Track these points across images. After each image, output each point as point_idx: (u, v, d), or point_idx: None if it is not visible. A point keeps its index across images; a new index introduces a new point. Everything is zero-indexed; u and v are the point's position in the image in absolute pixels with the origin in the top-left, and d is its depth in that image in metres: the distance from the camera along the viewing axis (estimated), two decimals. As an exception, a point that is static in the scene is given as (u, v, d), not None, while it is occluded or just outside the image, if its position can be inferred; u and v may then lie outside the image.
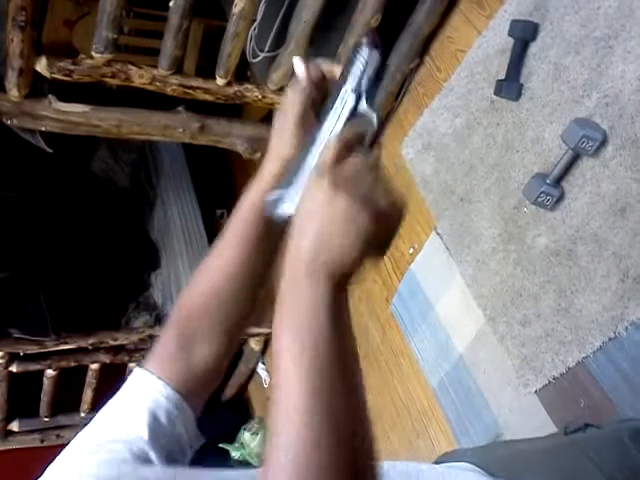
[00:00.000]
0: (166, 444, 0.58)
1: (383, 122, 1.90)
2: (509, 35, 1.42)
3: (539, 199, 1.31)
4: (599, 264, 1.24)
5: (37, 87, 1.59)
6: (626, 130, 1.19)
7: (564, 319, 1.31)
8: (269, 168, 0.65)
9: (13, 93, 1.50)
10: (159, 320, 2.71)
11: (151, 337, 2.39)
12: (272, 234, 0.64)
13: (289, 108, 0.64)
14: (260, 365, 2.76)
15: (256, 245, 0.65)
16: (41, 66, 1.51)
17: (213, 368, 0.65)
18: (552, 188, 1.30)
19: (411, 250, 1.79)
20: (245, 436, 2.66)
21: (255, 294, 0.68)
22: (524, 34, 1.39)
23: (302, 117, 0.63)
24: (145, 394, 0.60)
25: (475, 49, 1.55)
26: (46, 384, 2.37)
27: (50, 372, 2.32)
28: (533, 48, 1.40)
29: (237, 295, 0.66)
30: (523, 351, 1.41)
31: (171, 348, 0.63)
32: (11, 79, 1.47)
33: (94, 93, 1.76)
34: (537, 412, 1.39)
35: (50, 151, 1.75)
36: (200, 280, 0.67)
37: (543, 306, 1.36)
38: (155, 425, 0.58)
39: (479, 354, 1.56)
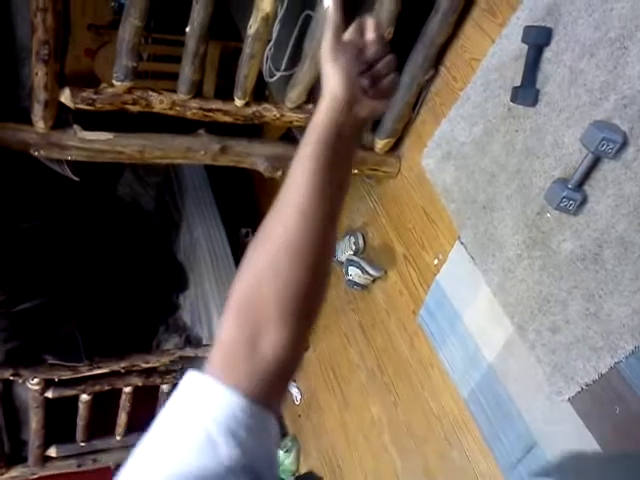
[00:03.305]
0: (256, 468, 0.47)
1: (402, 135, 1.90)
2: (523, 41, 1.42)
3: (561, 204, 1.30)
4: (626, 267, 1.22)
5: (62, 118, 1.64)
6: (646, 130, 1.18)
7: (594, 324, 1.29)
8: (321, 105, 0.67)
9: (40, 125, 1.55)
10: (189, 341, 2.74)
11: (182, 358, 2.41)
12: (343, 155, 0.64)
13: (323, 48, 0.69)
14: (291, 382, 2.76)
15: (328, 173, 0.62)
16: (65, 97, 1.55)
17: (288, 359, 0.56)
18: (574, 192, 1.29)
19: (436, 261, 1.79)
20: (278, 454, 2.66)
21: (329, 249, 0.63)
22: (538, 40, 1.39)
23: (334, 49, 0.68)
24: (217, 410, 0.48)
25: (489, 57, 1.55)
26: (81, 409, 2.41)
27: (85, 397, 2.36)
28: (548, 53, 1.39)
29: (307, 252, 0.58)
30: (554, 358, 1.39)
31: (236, 347, 0.54)
32: (37, 112, 1.52)
33: (115, 120, 1.81)
34: (571, 420, 1.36)
35: (77, 179, 1.79)
36: (260, 249, 0.59)
37: (571, 312, 1.35)
38: (240, 450, 0.46)
39: (509, 363, 1.54)
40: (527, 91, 1.41)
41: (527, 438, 1.48)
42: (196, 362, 2.46)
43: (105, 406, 2.47)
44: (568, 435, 1.38)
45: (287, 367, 0.56)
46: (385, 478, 2.11)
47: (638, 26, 1.20)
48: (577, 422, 1.36)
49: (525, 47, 1.41)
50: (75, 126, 1.65)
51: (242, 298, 0.57)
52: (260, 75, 1.83)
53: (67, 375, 2.24)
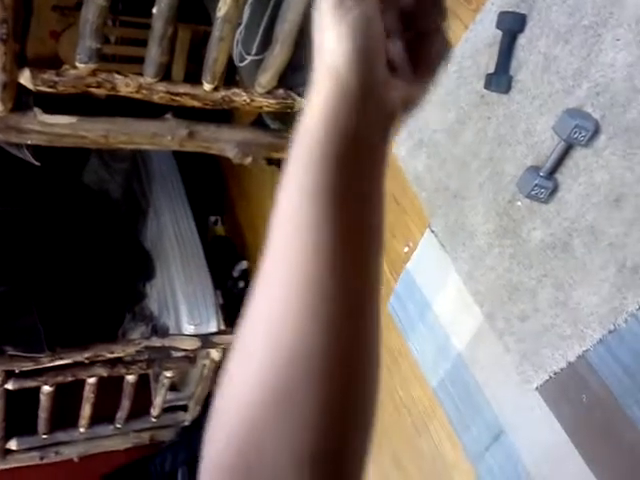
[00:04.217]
0: None
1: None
2: (497, 28, 1.41)
3: (533, 192, 1.29)
4: (596, 256, 1.23)
5: (22, 100, 1.57)
6: (618, 119, 1.18)
7: (563, 313, 1.30)
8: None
9: (-3, 106, 1.49)
10: (155, 331, 2.69)
11: (148, 348, 2.36)
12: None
13: None
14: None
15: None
16: (25, 79, 1.49)
17: None
18: (545, 180, 1.28)
19: (406, 249, 1.78)
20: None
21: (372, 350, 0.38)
22: (512, 26, 1.38)
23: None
24: None
25: (463, 43, 1.54)
26: (43, 400, 2.35)
27: (47, 388, 2.29)
28: (522, 40, 1.38)
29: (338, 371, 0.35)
30: (522, 347, 1.39)
31: None
32: (-6, 92, 1.46)
33: (83, 104, 1.75)
34: (539, 408, 1.37)
35: (38, 164, 1.73)
36: (247, 376, 0.35)
37: (541, 300, 1.35)
38: None
39: (478, 351, 1.54)
40: (501, 78, 1.40)
41: (495, 427, 1.49)
42: (162, 352, 2.42)
43: (68, 397, 2.41)
44: (536, 423, 1.39)
45: None
46: (354, 467, 2.11)
47: (612, 13, 1.20)
48: (545, 410, 1.36)
49: (499, 33, 1.40)
50: (35, 109, 1.59)
51: (233, 456, 0.34)
52: (231, 59, 1.79)
53: (28, 366, 2.18)
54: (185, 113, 1.75)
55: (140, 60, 1.64)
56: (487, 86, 1.43)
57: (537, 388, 1.37)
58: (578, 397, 1.29)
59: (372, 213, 0.38)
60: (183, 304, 2.55)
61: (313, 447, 0.33)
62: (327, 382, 0.34)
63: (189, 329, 2.50)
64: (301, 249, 0.34)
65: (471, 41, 1.51)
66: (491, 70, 1.42)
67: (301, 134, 0.36)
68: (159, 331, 2.72)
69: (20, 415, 2.41)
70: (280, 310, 0.34)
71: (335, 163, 0.35)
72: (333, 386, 0.34)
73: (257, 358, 0.34)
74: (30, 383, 2.26)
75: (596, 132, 1.20)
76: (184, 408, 2.95)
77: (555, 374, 1.33)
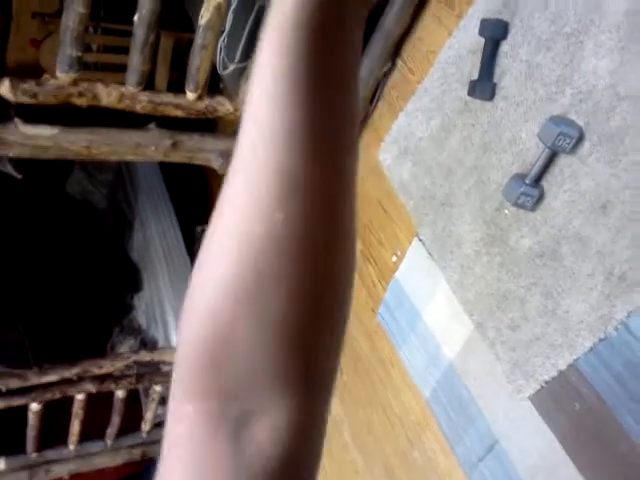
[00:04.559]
0: None
1: (359, 129, 1.87)
2: (480, 34, 1.40)
3: (519, 200, 1.28)
4: (583, 263, 1.22)
5: (2, 111, 1.55)
6: (602, 125, 1.17)
7: (552, 321, 1.29)
8: None
9: (-25, 120, 1.46)
10: (144, 344, 2.66)
11: (137, 363, 2.33)
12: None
13: None
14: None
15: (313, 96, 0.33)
16: (4, 89, 1.46)
17: (298, 454, 0.34)
18: (531, 188, 1.27)
19: (394, 258, 1.76)
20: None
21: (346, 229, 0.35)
22: (495, 33, 1.37)
23: None
24: None
25: (446, 50, 1.53)
26: (31, 418, 2.30)
27: (35, 406, 2.25)
28: (505, 47, 1.38)
29: (312, 250, 0.33)
30: (513, 356, 1.38)
31: (204, 446, 0.32)
32: (-28, 105, 1.43)
33: (64, 114, 1.72)
34: (531, 417, 1.35)
35: (19, 177, 1.70)
36: (220, 253, 0.33)
37: (530, 309, 1.34)
38: None
39: (470, 361, 1.52)
40: (484, 85, 1.39)
41: (488, 437, 1.47)
42: (152, 366, 2.38)
43: (56, 414, 2.37)
44: (529, 433, 1.37)
45: (298, 465, 0.34)
46: (346, 478, 2.08)
47: (593, 21, 1.19)
48: (537, 419, 1.35)
49: (482, 40, 1.39)
50: (16, 120, 1.56)
51: (201, 354, 0.33)
52: (214, 67, 1.77)
53: (15, 384, 2.13)
54: (168, 123, 1.74)
55: (122, 68, 1.62)
56: (471, 93, 1.42)
57: (529, 397, 1.36)
58: (570, 406, 1.28)
59: (349, 99, 0.35)
60: (171, 316, 2.52)
61: (284, 343, 0.32)
62: (298, 274, 0.33)
63: (178, 341, 2.47)
64: (273, 137, 0.32)
65: (454, 48, 1.50)
66: (475, 77, 1.42)
67: (274, 18, 0.33)
68: (148, 344, 2.69)
69: (8, 434, 2.36)
70: (249, 201, 0.33)
71: (311, 47, 0.32)
72: (305, 279, 0.33)
73: (225, 250, 0.33)
74: (18, 401, 2.21)
75: (580, 139, 1.20)
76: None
77: (547, 383, 1.32)
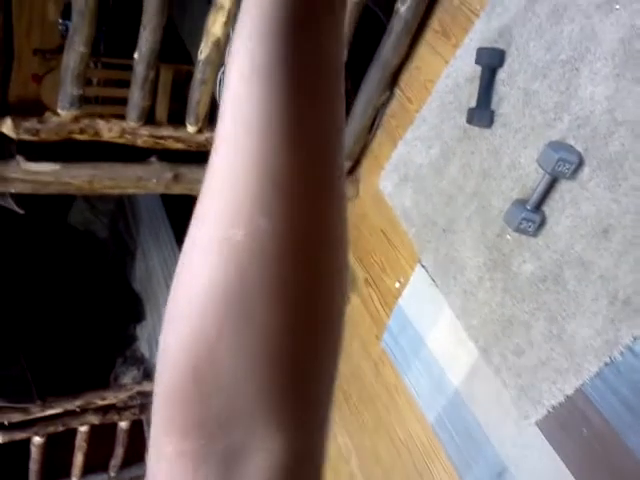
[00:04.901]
0: None
1: (359, 158, 1.88)
2: (476, 63, 1.42)
3: (521, 226, 1.29)
4: (587, 288, 1.22)
5: (4, 149, 1.56)
6: (600, 151, 1.18)
7: (558, 346, 1.28)
8: None
9: (-22, 157, 1.47)
10: (147, 374, 2.65)
11: (140, 393, 2.32)
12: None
13: None
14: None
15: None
16: (7, 128, 1.48)
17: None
18: (532, 214, 1.28)
19: (397, 284, 1.76)
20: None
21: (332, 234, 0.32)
22: (491, 61, 1.39)
23: None
24: None
25: (444, 78, 1.55)
26: (34, 452, 2.29)
27: (37, 439, 2.24)
28: (501, 74, 1.39)
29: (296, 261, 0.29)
30: (519, 382, 1.37)
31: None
32: (-25, 144, 1.44)
33: (64, 148, 1.73)
34: (539, 444, 1.34)
35: (22, 212, 1.71)
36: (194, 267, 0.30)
37: (535, 334, 1.33)
38: None
39: (475, 387, 1.52)
40: (482, 112, 1.40)
41: (497, 464, 1.46)
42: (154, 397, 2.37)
43: (59, 447, 2.35)
44: (537, 459, 1.36)
45: None
46: (354, 508, 2.06)
47: (588, 48, 1.21)
48: (545, 445, 1.34)
49: (479, 68, 1.41)
50: (18, 157, 1.58)
51: (180, 381, 0.29)
52: (214, 98, 1.79)
53: (18, 418, 2.12)
54: (169, 154, 1.75)
55: (123, 101, 1.64)
56: (469, 121, 1.44)
57: (536, 423, 1.35)
58: (578, 430, 1.27)
59: (335, 85, 0.32)
60: (174, 345, 2.51)
61: (275, 362, 0.28)
62: (285, 280, 0.29)
63: (181, 371, 2.46)
64: (251, 129, 0.29)
65: (452, 76, 1.52)
66: (472, 105, 1.43)
67: (247, 7, 0.30)
68: (151, 374, 2.67)
69: (10, 468, 2.34)
70: (229, 204, 0.29)
71: (290, 28, 0.29)
72: (293, 285, 0.29)
73: (206, 257, 0.29)
74: (20, 435, 2.20)
75: (580, 164, 1.21)
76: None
77: (554, 408, 1.31)
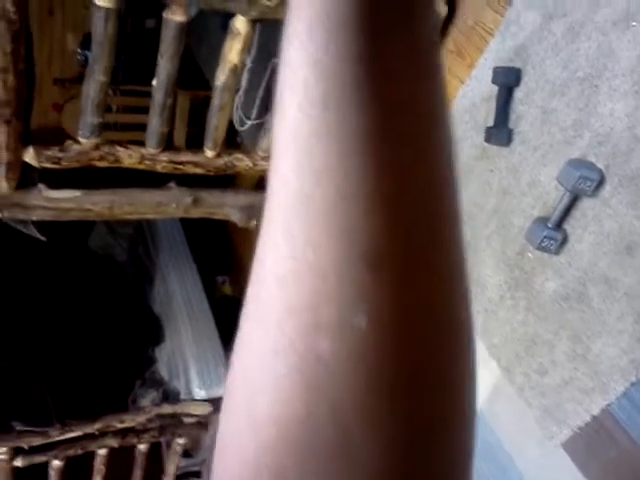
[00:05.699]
0: None
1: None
2: (493, 82, 1.42)
3: (542, 244, 1.28)
4: (612, 306, 1.20)
5: (27, 177, 1.59)
6: (622, 167, 1.17)
7: (582, 365, 1.26)
8: None
9: (3, 186, 1.50)
10: (166, 396, 2.65)
11: (159, 416, 2.32)
12: None
13: None
14: None
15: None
16: (29, 157, 1.50)
17: None
18: (554, 232, 1.27)
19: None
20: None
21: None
22: (507, 80, 1.40)
23: None
24: None
25: (460, 98, 1.55)
26: (52, 476, 2.29)
27: (56, 463, 2.24)
28: (518, 93, 1.40)
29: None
30: (543, 402, 1.35)
31: None
32: (0, 173, 1.47)
33: (84, 174, 1.76)
34: (565, 465, 1.32)
35: (44, 239, 1.73)
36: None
37: (559, 353, 1.32)
38: None
39: (498, 407, 1.50)
40: (500, 131, 1.40)
41: (523, 487, 1.43)
42: (174, 419, 2.37)
43: (77, 469, 2.35)
44: (564, 482, 1.33)
45: None
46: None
47: (606, 65, 1.21)
48: (571, 467, 1.31)
49: (495, 88, 1.41)
50: (40, 185, 1.60)
51: None
52: (231, 123, 1.81)
53: (37, 441, 2.13)
54: (188, 178, 1.77)
55: (142, 127, 1.66)
56: (487, 140, 1.44)
57: (561, 444, 1.33)
58: (605, 452, 1.24)
59: (441, 155, 0.23)
60: (193, 368, 2.51)
61: None
62: (397, 407, 0.20)
63: (200, 393, 2.46)
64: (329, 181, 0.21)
65: (468, 96, 1.52)
66: (490, 124, 1.43)
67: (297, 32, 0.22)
68: (170, 396, 2.67)
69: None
70: (299, 293, 0.21)
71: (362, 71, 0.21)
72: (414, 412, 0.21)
73: (276, 384, 0.21)
74: (40, 458, 2.20)
75: (601, 182, 1.20)
76: (197, 474, 2.88)
77: (580, 429, 1.29)
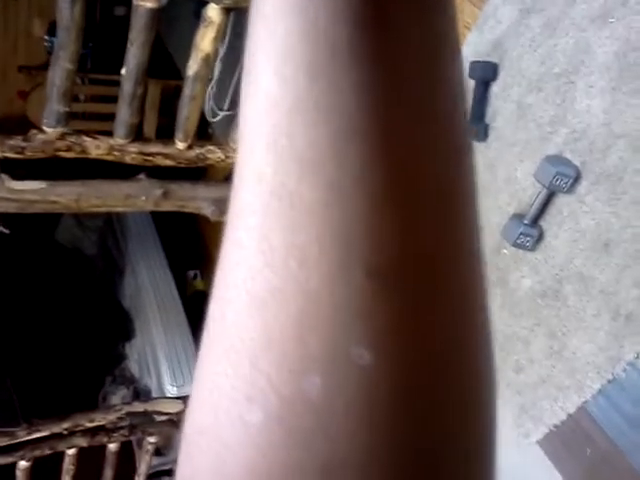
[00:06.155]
0: None
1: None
2: (469, 77, 1.41)
3: (518, 240, 1.27)
4: (588, 303, 1.20)
5: (-12, 167, 1.52)
6: (598, 164, 1.16)
7: (558, 363, 1.26)
8: None
9: (-38, 177, 1.44)
10: (137, 393, 2.59)
11: (130, 414, 2.27)
12: None
13: None
14: None
15: None
16: (-10, 146, 1.44)
17: None
18: (530, 228, 1.26)
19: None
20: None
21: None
22: (484, 74, 1.38)
23: None
24: None
25: (436, 93, 1.53)
26: (20, 477, 2.22)
27: (23, 464, 2.17)
28: (495, 88, 1.38)
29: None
30: (519, 399, 1.35)
31: None
32: (-42, 163, 1.41)
33: (50, 165, 1.70)
34: (542, 464, 1.32)
35: (7, 232, 1.67)
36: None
37: (535, 350, 1.31)
38: None
39: (474, 405, 1.49)
40: (477, 126, 1.39)
41: (497, 484, 1.43)
42: (145, 417, 2.32)
43: (45, 470, 2.29)
44: (539, 479, 1.33)
45: None
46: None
47: (583, 61, 1.20)
48: (548, 465, 1.31)
49: (472, 82, 1.39)
50: (2, 175, 1.54)
51: None
52: (203, 114, 1.77)
53: (3, 442, 2.06)
54: (157, 170, 1.72)
55: (110, 117, 1.61)
56: (464, 134, 1.42)
57: (538, 442, 1.32)
58: (582, 451, 1.24)
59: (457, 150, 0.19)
60: (164, 364, 2.47)
61: None
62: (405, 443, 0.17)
63: (172, 390, 2.41)
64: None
65: (445, 90, 1.50)
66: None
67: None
68: (141, 393, 2.62)
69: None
70: (286, 319, 0.17)
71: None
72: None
73: (259, 434, 0.16)
74: (5, 459, 2.14)
75: (577, 178, 1.19)
76: (169, 473, 2.83)
77: (556, 427, 1.28)
